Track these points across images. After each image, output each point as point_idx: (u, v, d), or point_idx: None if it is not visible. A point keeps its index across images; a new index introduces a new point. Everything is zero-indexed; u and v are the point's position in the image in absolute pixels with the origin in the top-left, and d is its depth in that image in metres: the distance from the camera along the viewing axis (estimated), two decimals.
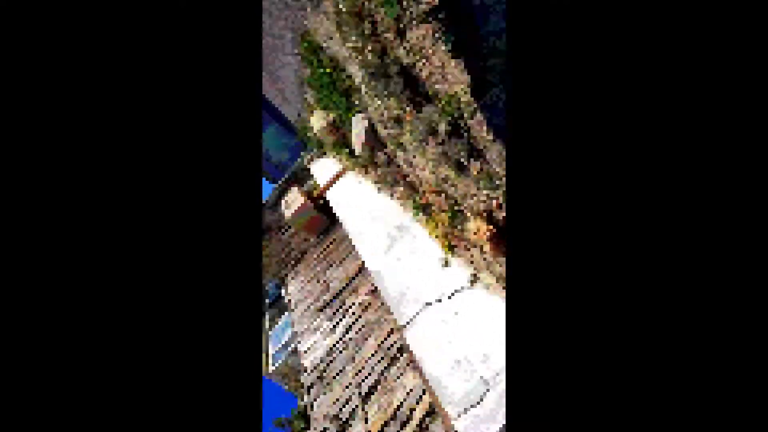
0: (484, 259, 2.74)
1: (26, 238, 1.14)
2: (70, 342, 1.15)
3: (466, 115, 2.12)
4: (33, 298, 1.13)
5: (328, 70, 4.01)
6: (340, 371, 4.10)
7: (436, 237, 3.47)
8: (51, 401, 1.13)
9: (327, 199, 6.39)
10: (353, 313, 4.50)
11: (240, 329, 1.23)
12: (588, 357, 1.11)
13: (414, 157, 3.25)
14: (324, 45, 3.88)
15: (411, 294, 3.48)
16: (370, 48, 2.65)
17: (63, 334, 1.14)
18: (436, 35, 1.96)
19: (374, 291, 4.38)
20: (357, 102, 4.01)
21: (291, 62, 5.38)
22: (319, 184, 7.03)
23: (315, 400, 4.14)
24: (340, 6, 2.76)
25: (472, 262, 3.05)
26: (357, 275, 4.93)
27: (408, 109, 2.77)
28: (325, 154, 7.43)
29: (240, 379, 1.21)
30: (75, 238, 1.16)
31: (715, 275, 1.06)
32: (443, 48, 1.96)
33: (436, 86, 2.30)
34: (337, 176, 6.49)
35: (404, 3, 2.13)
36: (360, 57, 2.78)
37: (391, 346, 3.71)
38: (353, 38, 2.79)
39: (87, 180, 1.17)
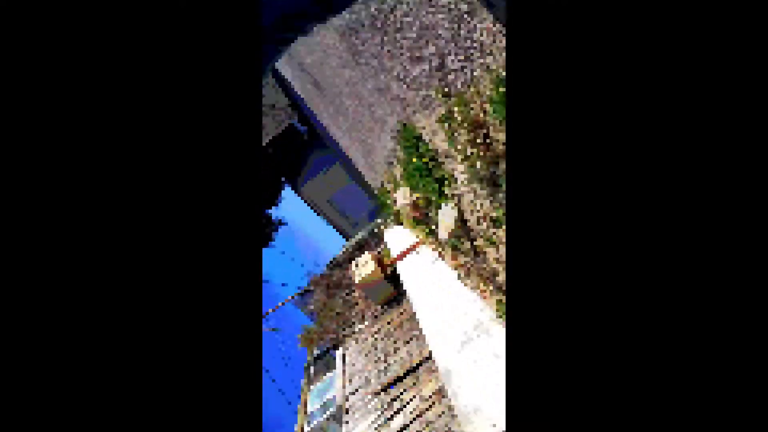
0: None
1: (24, 241, 1.13)
2: (68, 346, 1.13)
3: None
4: (31, 297, 1.12)
5: (424, 159, 4.16)
6: None
7: None
8: (48, 400, 1.11)
9: (397, 269, 6.32)
10: (414, 409, 4.14)
11: (238, 340, 1.19)
12: (590, 378, 1.10)
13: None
14: (426, 137, 4.07)
15: (487, 410, 3.09)
16: (480, 154, 2.68)
17: (61, 337, 1.13)
18: None
19: (439, 390, 4.01)
20: (449, 192, 4.04)
21: (387, 143, 5.74)
22: (389, 251, 7.05)
23: None
24: (454, 112, 2.88)
25: None
26: (421, 364, 4.61)
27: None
28: (401, 223, 7.54)
29: (238, 389, 1.17)
30: (75, 242, 1.15)
31: (716, 283, 1.05)
32: None
33: None
34: (413, 247, 6.45)
35: None
36: (468, 162, 2.81)
37: None
38: (463, 141, 2.86)
39: (87, 185, 1.16)
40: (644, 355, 1.08)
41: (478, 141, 2.64)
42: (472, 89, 2.61)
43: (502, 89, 2.26)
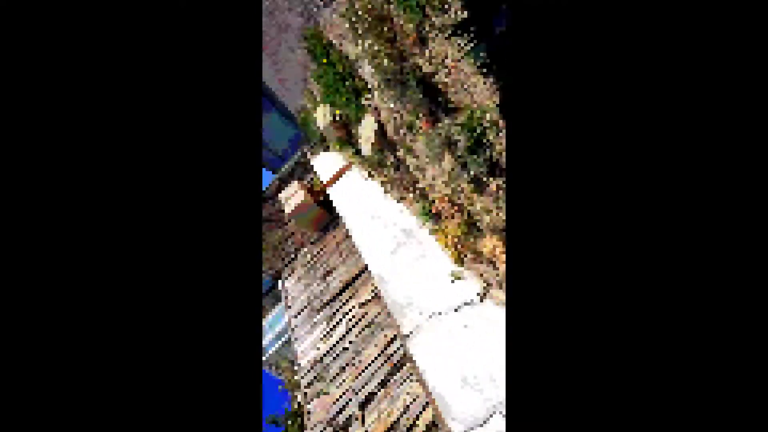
0: (497, 275, 2.68)
1: (23, 233, 1.13)
2: (67, 337, 1.13)
3: (489, 131, 2.03)
4: (29, 290, 1.12)
5: (338, 68, 3.87)
6: (338, 374, 4.08)
7: (446, 246, 3.40)
8: (48, 399, 1.11)
9: (329, 194, 6.28)
10: (353, 316, 4.46)
11: (240, 324, 1.22)
12: (589, 373, 1.10)
13: (428, 166, 3.15)
14: (334, 42, 3.73)
15: (416, 302, 3.42)
16: (387, 52, 2.53)
17: (59, 329, 1.13)
18: (462, 50, 1.85)
19: (376, 295, 4.32)
20: (367, 102, 3.88)
21: (296, 52, 5.22)
22: (320, 179, 6.91)
23: (311, 401, 4.12)
24: (357, 7, 2.63)
25: (482, 275, 3.00)
26: (358, 276, 4.87)
27: (424, 118, 2.67)
28: (328, 148, 7.30)
29: (239, 376, 1.20)
30: (71, 229, 1.15)
31: (716, 282, 1.05)
32: (469, 63, 1.85)
33: (458, 99, 2.20)
34: (341, 172, 6.36)
35: (428, 11, 2.01)
36: (376, 60, 2.65)
37: (393, 353, 3.67)
38: (369, 40, 2.67)
39: (84, 171, 1.16)
40: (643, 354, 1.06)
41: (383, 36, 2.47)
42: None
43: None
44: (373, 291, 4.39)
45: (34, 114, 1.15)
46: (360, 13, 2.65)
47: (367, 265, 4.42)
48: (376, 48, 2.59)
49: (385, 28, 2.50)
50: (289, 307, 5.83)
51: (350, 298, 4.73)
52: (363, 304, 4.45)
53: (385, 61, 2.52)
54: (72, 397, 1.12)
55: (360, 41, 2.84)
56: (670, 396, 1.06)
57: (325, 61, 4.01)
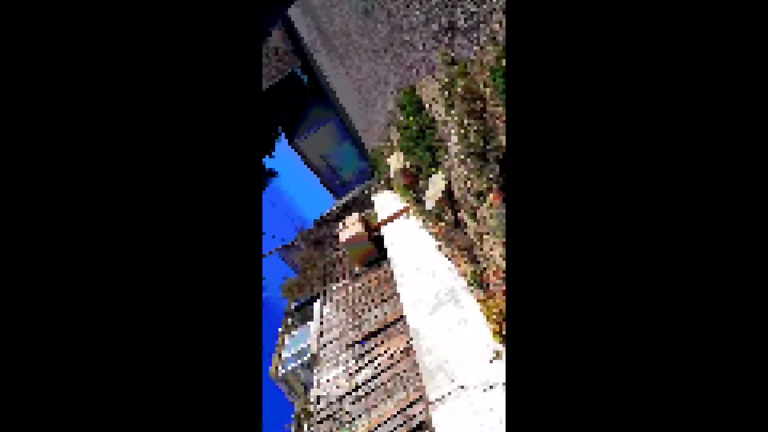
0: None
1: (25, 249, 1.12)
2: (70, 342, 1.13)
3: None
4: (32, 297, 1.11)
5: (422, 125, 4.12)
6: (353, 420, 3.99)
7: (488, 319, 3.32)
8: (53, 406, 1.11)
9: (382, 233, 6.44)
10: (381, 364, 4.40)
11: (239, 334, 1.20)
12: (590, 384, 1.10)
13: (489, 236, 3.17)
14: (425, 103, 4.00)
15: (449, 369, 3.33)
16: (475, 128, 2.68)
17: (63, 337, 1.13)
18: None
19: (409, 348, 4.26)
20: (441, 161, 4.05)
21: (386, 100, 5.62)
22: (377, 216, 7.14)
23: None
24: (455, 81, 2.84)
25: None
26: (394, 323, 4.85)
27: (496, 191, 2.73)
28: (391, 189, 7.57)
29: (240, 385, 1.18)
30: (75, 239, 1.14)
31: (715, 283, 1.03)
32: None
33: None
34: (399, 213, 6.54)
35: None
36: (462, 131, 2.81)
37: (414, 416, 3.55)
38: (459, 111, 2.85)
39: (87, 180, 1.15)
40: (642, 355, 1.06)
41: (474, 112, 2.64)
42: (475, 58, 2.57)
43: (504, 60, 2.23)
44: (405, 343, 4.34)
45: (31, 116, 1.12)
46: (455, 85, 2.86)
47: (404, 315, 4.40)
48: (464, 121, 2.76)
49: (477, 105, 2.67)
50: (319, 332, 5.91)
51: (382, 342, 4.70)
52: (393, 354, 4.40)
53: (472, 135, 2.66)
54: (72, 399, 1.12)
55: (450, 109, 3.04)
56: (670, 396, 1.05)
57: (411, 114, 4.30)
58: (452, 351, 3.46)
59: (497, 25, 2.26)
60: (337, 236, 7.35)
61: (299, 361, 6.43)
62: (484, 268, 3.52)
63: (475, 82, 2.62)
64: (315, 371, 5.13)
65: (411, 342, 4.00)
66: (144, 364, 1.16)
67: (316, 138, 13.22)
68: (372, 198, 8.31)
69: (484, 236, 3.35)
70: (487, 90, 2.50)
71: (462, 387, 3.12)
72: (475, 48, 2.55)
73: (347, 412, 4.10)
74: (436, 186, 4.07)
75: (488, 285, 3.43)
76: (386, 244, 6.06)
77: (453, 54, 2.90)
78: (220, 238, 1.21)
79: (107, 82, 1.17)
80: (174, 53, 1.20)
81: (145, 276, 1.17)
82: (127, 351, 1.15)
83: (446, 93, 3.07)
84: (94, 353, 1.14)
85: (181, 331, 1.18)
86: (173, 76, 1.20)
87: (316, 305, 6.81)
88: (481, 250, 3.51)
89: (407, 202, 6.27)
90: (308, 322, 7.04)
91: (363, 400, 4.11)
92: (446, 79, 3.02)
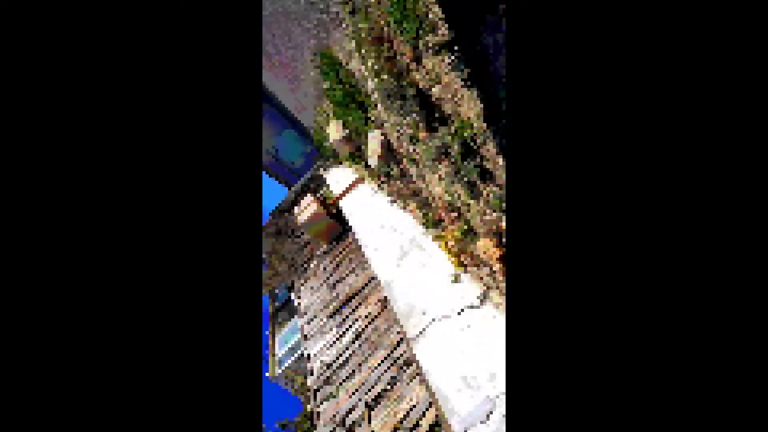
0: (494, 278, 2.79)
1: (25, 253, 1.12)
2: (70, 341, 1.13)
3: (478, 139, 2.19)
4: (33, 298, 1.11)
5: (346, 86, 4.14)
6: (347, 378, 4.18)
7: (448, 252, 3.53)
8: (53, 406, 1.12)
9: (340, 207, 6.50)
10: (362, 322, 4.58)
11: (240, 333, 1.21)
12: (588, 372, 1.10)
13: (427, 174, 3.32)
14: (343, 61, 4.00)
15: (421, 307, 3.54)
16: (387, 69, 2.75)
17: (64, 336, 1.13)
18: (450, 65, 2.04)
19: (384, 301, 4.45)
20: (373, 117, 4.11)
21: (310, 73, 5.53)
22: (333, 192, 7.16)
23: (321, 404, 4.22)
24: (360, 28, 2.87)
25: (482, 279, 3.10)
26: (367, 284, 5.01)
27: (423, 129, 2.85)
28: (340, 163, 7.56)
29: (240, 383, 1.19)
30: (74, 238, 1.14)
31: (716, 281, 1.03)
32: (457, 77, 2.04)
33: (450, 110, 2.38)
34: (352, 186, 6.60)
35: (420, 32, 2.23)
36: (378, 77, 2.88)
37: (399, 357, 3.77)
38: (372, 59, 2.90)
39: (87, 179, 1.15)
40: (641, 353, 1.05)
41: (383, 53, 2.70)
42: (373, 1, 2.60)
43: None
44: (381, 298, 4.52)
45: (30, 117, 1.12)
46: (363, 34, 2.90)
47: (375, 273, 4.56)
48: (377, 66, 2.82)
49: (385, 48, 2.73)
50: (303, 315, 5.99)
51: (359, 305, 4.87)
52: (371, 310, 4.58)
53: (386, 77, 2.74)
54: (73, 399, 1.12)
55: (364, 60, 3.08)
56: (670, 395, 1.04)
57: (334, 78, 4.29)
58: (422, 290, 3.67)
59: None
60: (296, 221, 7.32)
61: (294, 356, 6.51)
62: (436, 207, 3.70)
63: (377, 23, 2.66)
64: (304, 348, 5.25)
65: (384, 295, 4.17)
66: (144, 364, 1.16)
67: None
68: (324, 176, 8.28)
69: (426, 177, 3.50)
70: (390, 30, 2.57)
71: (436, 318, 3.35)
72: None
73: (340, 373, 4.27)
74: (373, 143, 4.14)
75: (441, 221, 3.62)
76: (345, 215, 6.14)
77: (353, 2, 2.92)
78: (220, 239, 1.21)
79: (106, 82, 1.16)
80: (174, 53, 1.18)
81: (146, 276, 1.16)
82: (127, 350, 1.15)
83: (356, 43, 3.10)
84: (95, 353, 1.14)
85: (181, 330, 1.18)
86: (173, 76, 1.19)
87: (294, 294, 6.85)
88: (427, 191, 3.67)
89: (356, 171, 6.32)
90: (294, 317, 7.07)
91: (352, 359, 4.30)
92: (353, 30, 3.04)
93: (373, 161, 4.36)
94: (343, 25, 3.31)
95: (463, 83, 1.99)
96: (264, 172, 13.95)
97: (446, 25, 1.95)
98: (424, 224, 4.01)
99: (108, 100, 1.18)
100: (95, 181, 1.17)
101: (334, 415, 3.91)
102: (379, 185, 5.49)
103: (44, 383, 1.12)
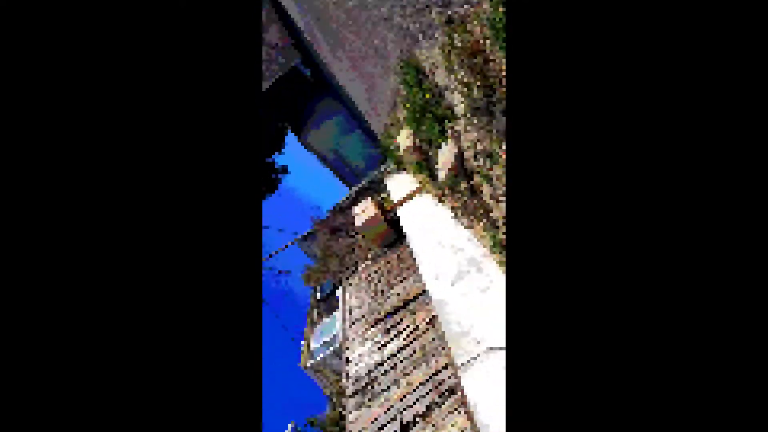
0: None
1: (25, 243, 1.12)
2: (71, 341, 1.13)
3: None
4: (32, 297, 1.11)
5: (426, 95, 4.08)
6: (384, 390, 4.08)
7: None
8: (53, 406, 1.11)
9: (398, 214, 6.46)
10: (407, 336, 4.46)
11: (239, 330, 1.19)
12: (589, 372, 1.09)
13: (502, 195, 3.14)
14: (427, 71, 3.96)
15: (475, 334, 3.34)
16: (478, 83, 2.64)
17: (64, 336, 1.13)
18: None
19: (433, 320, 4.29)
20: (449, 129, 4.01)
21: (390, 80, 5.58)
22: (392, 199, 7.16)
23: (353, 411, 4.16)
24: (455, 40, 2.80)
25: None
26: (416, 298, 4.88)
27: (505, 147, 2.69)
28: (403, 170, 7.55)
29: (241, 383, 1.17)
30: (75, 234, 1.14)
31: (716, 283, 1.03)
32: None
33: None
34: (412, 194, 6.53)
35: None
36: (466, 90, 2.77)
37: (442, 382, 3.59)
38: (462, 72, 2.80)
39: (87, 178, 1.15)
40: (642, 352, 1.05)
41: (476, 67, 2.59)
42: (472, 11, 2.51)
43: (501, 10, 2.18)
44: (430, 315, 4.37)
45: (30, 117, 1.12)
46: (458, 45, 2.81)
47: (426, 289, 4.43)
48: (467, 79, 2.72)
49: (480, 60, 2.62)
50: (346, 315, 6.02)
51: (405, 317, 4.75)
52: (418, 326, 4.44)
53: (475, 91, 2.62)
54: (73, 399, 1.11)
55: (453, 72, 2.99)
56: (669, 395, 1.04)
57: (414, 86, 4.26)
58: (477, 316, 3.47)
59: None
60: (353, 222, 7.42)
61: (329, 350, 6.58)
62: (504, 232, 3.49)
63: (473, 36, 2.57)
64: (344, 350, 5.25)
65: (434, 314, 4.02)
66: (143, 364, 1.15)
67: (324, 131, 13.25)
68: (385, 181, 8.32)
69: (499, 198, 3.31)
70: (487, 42, 2.46)
71: (491, 348, 3.13)
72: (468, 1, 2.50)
73: (378, 384, 4.19)
74: (446, 155, 4.03)
75: None
76: (402, 223, 6.08)
77: (449, 13, 2.85)
78: (219, 239, 1.21)
79: (105, 82, 1.18)
80: (174, 53, 1.20)
81: (145, 276, 1.17)
82: (127, 350, 1.15)
83: (447, 54, 3.02)
84: (95, 353, 1.14)
85: (181, 330, 1.18)
86: (173, 77, 1.20)
87: (340, 290, 6.93)
88: (499, 211, 3.47)
89: (420, 181, 6.25)
90: (334, 312, 7.18)
91: (392, 371, 4.19)
92: (446, 39, 2.97)
93: (442, 173, 4.25)
94: (436, 35, 3.26)
95: None
96: (327, 168, 14.48)
97: None
98: (491, 246, 3.81)
99: (108, 100, 1.17)
100: (95, 181, 1.17)
101: (365, 428, 3.83)
102: (441, 198, 5.36)
103: (44, 383, 1.12)
